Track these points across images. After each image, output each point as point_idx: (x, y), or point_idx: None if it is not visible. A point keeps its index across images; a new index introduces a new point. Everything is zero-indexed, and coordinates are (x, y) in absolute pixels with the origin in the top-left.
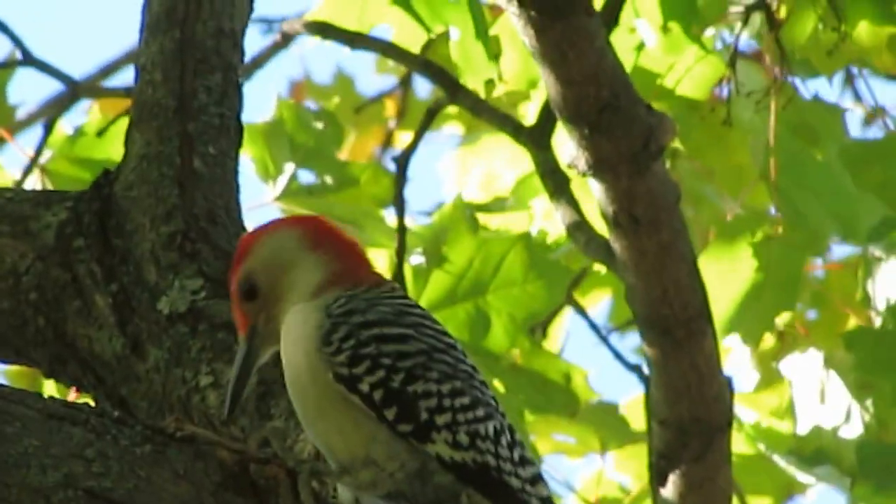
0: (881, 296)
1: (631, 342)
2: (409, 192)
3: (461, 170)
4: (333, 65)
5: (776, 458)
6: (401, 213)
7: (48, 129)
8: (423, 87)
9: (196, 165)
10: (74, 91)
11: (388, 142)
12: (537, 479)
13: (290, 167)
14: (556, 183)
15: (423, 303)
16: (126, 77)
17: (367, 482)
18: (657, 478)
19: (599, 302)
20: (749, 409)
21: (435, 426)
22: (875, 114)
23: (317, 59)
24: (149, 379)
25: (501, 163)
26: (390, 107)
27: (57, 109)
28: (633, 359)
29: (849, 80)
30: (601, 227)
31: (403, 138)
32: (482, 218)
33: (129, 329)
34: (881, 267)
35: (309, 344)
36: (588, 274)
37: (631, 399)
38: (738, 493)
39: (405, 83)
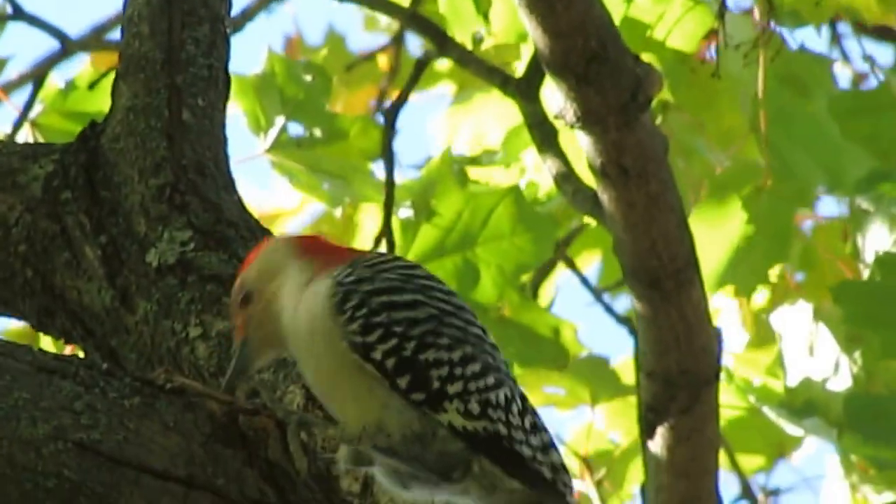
0: (870, 248)
1: (622, 304)
2: (401, 147)
3: (451, 127)
4: (325, 23)
5: (766, 410)
6: (389, 165)
7: (38, 83)
8: (415, 45)
9: (185, 117)
10: (66, 46)
11: (380, 100)
12: (549, 446)
13: (280, 120)
14: (544, 135)
15: (411, 256)
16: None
17: (354, 435)
18: (646, 430)
19: (590, 262)
20: (740, 365)
21: (447, 395)
22: (862, 76)
23: (308, 18)
24: (138, 331)
25: (491, 119)
26: (383, 64)
27: (48, 65)
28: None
29: (836, 39)
30: (589, 179)
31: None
32: (473, 172)
33: (118, 281)
34: (869, 219)
35: (323, 312)
36: (579, 233)
37: (622, 358)
38: (727, 450)
39: (397, 41)
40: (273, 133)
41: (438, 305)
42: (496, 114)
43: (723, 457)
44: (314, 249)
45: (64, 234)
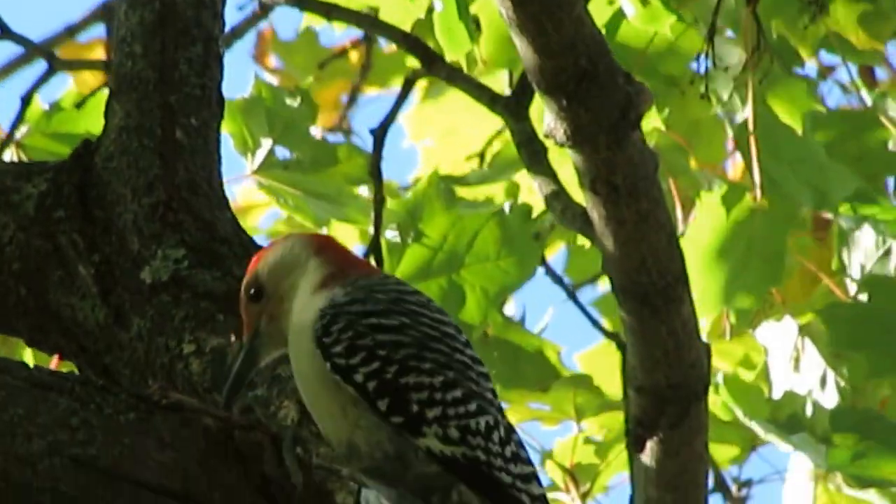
0: (855, 265)
1: (589, 296)
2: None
3: (422, 122)
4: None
5: (754, 425)
6: (378, 184)
7: (25, 103)
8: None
9: (178, 136)
10: (53, 65)
11: (352, 95)
12: (531, 477)
13: (267, 142)
14: (533, 153)
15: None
16: (93, 33)
17: (345, 455)
18: (635, 445)
19: (555, 253)
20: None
21: (425, 419)
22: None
23: (281, 11)
24: (132, 347)
25: (464, 116)
26: (354, 59)
27: (35, 85)
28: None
29: (823, 74)
30: (579, 196)
31: (367, 93)
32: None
33: (111, 298)
34: (854, 237)
35: (310, 333)
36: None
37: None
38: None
39: (369, 37)
40: (260, 155)
41: (424, 331)
42: (468, 107)
43: None
44: (328, 256)
45: (57, 253)
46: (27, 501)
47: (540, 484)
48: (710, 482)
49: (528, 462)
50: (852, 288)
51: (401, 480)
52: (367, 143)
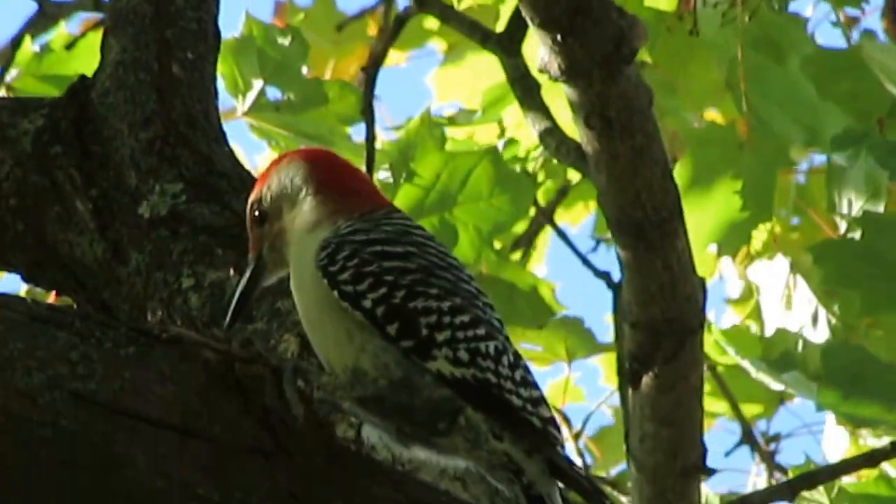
0: (845, 203)
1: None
2: (387, 111)
3: (445, 84)
4: None
5: (745, 364)
6: (370, 125)
7: (15, 46)
8: (406, 3)
9: (174, 71)
10: (43, 8)
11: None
12: (539, 401)
13: (258, 83)
14: (527, 89)
15: None
16: None
17: (346, 383)
18: (631, 380)
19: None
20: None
21: (435, 342)
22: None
23: None
24: (130, 282)
25: (485, 80)
26: (372, 25)
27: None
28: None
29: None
30: (573, 132)
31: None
32: (452, 133)
33: (109, 234)
34: (845, 174)
35: (314, 262)
36: (563, 197)
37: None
38: (728, 398)
39: (386, 1)
40: (251, 96)
41: (431, 259)
42: (489, 69)
43: (725, 405)
44: (332, 185)
45: (55, 188)
46: (28, 436)
47: (548, 408)
48: (739, 436)
49: (536, 387)
50: (842, 227)
51: (405, 409)
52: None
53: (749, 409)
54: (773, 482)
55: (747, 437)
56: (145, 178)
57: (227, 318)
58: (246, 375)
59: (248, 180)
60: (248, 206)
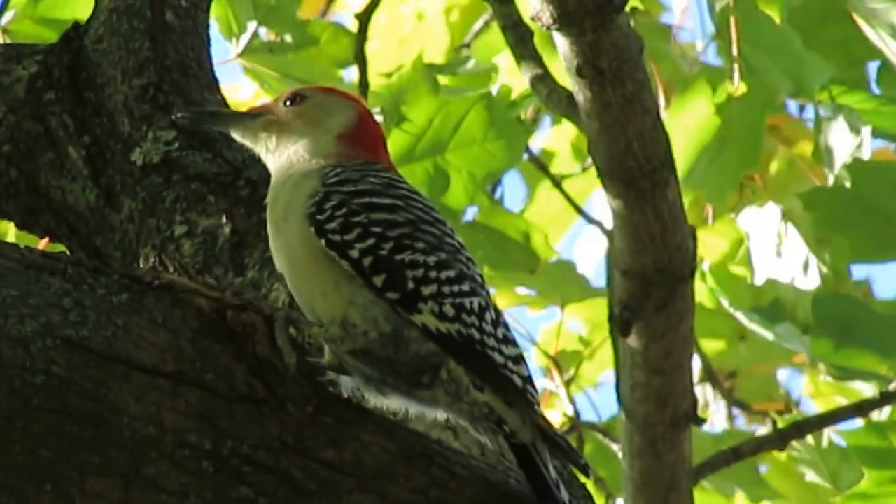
0: (833, 152)
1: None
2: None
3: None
4: None
5: (738, 315)
6: (362, 69)
7: None
8: None
9: (168, 18)
10: None
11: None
12: (519, 359)
13: (251, 25)
14: (519, 36)
15: None
16: None
17: (337, 335)
18: (621, 328)
19: None
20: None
21: (422, 296)
22: None
23: None
24: (123, 229)
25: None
26: None
27: None
28: None
29: None
30: (564, 80)
31: None
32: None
33: (102, 180)
34: (832, 125)
35: (302, 210)
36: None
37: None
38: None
39: None
40: (245, 39)
41: (417, 213)
42: None
43: None
44: (357, 134)
45: (48, 135)
46: (21, 382)
47: (527, 367)
48: (698, 373)
49: (516, 345)
50: (830, 177)
51: (391, 363)
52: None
53: (709, 346)
54: (731, 418)
55: (707, 375)
56: (138, 125)
57: (204, 115)
58: (238, 323)
59: None
60: (284, 93)
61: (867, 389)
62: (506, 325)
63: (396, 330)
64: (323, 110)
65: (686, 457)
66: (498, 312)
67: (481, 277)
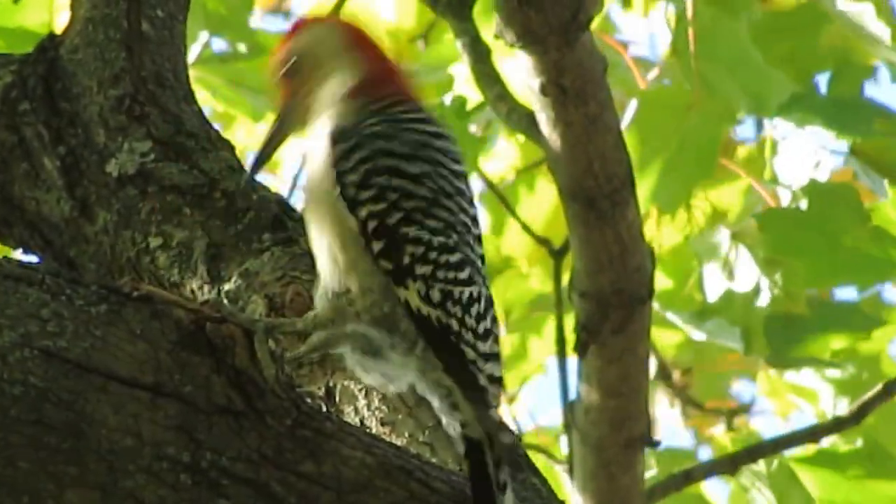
0: (787, 173)
1: None
2: None
3: None
4: None
5: (669, 315)
6: None
7: None
8: None
9: (144, 28)
10: None
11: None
12: (494, 356)
13: (203, 35)
14: (478, 54)
15: None
16: None
17: (322, 342)
18: (579, 350)
19: None
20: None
21: (412, 273)
22: None
23: None
24: (98, 241)
25: None
26: None
27: None
28: None
29: None
30: (523, 98)
31: None
32: None
33: (77, 191)
34: (787, 145)
35: (329, 156)
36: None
37: None
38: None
39: None
40: (196, 48)
41: (441, 184)
42: None
43: None
44: (363, 57)
45: (22, 145)
46: None
47: (500, 366)
48: (653, 370)
49: (497, 341)
50: (784, 197)
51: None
52: None
53: (664, 340)
54: (685, 417)
55: (662, 372)
56: (114, 136)
57: (250, 169)
58: (217, 335)
59: (216, 140)
60: (280, 59)
61: (823, 389)
62: (493, 319)
63: (392, 308)
64: (313, 54)
65: (640, 478)
66: (488, 303)
67: (482, 260)
